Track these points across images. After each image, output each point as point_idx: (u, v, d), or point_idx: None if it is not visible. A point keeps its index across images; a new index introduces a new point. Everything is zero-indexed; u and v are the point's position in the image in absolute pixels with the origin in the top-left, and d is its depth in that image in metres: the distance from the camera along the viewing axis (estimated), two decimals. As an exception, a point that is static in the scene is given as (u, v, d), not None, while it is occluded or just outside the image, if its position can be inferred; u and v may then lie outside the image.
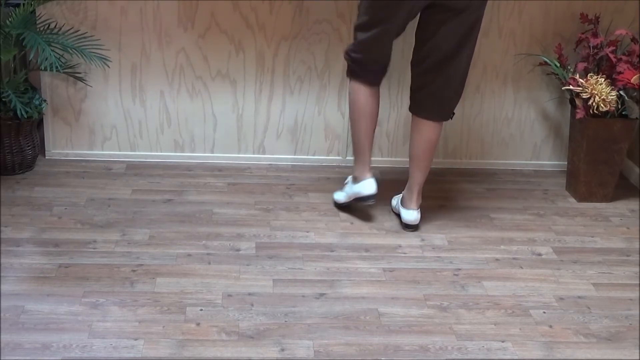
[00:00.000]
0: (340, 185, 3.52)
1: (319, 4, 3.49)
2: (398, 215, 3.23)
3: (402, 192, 3.22)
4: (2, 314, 2.47)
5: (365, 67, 2.99)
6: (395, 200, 3.27)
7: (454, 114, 3.09)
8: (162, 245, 2.95)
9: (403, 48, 3.39)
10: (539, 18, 3.59)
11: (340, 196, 3.25)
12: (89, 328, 2.43)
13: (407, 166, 3.18)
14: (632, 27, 3.53)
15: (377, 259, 2.94)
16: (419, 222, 3.17)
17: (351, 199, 3.19)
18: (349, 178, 3.24)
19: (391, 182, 3.44)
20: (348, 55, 3.02)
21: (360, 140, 3.09)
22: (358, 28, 2.96)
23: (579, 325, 2.60)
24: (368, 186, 3.10)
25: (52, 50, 3.17)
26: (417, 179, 3.13)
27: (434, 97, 3.00)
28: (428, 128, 3.05)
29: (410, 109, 3.08)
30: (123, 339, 2.39)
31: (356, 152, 3.13)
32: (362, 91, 3.02)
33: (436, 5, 2.82)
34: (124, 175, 3.53)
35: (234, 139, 3.70)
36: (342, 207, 3.29)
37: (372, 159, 3.14)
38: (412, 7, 2.83)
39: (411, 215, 3.14)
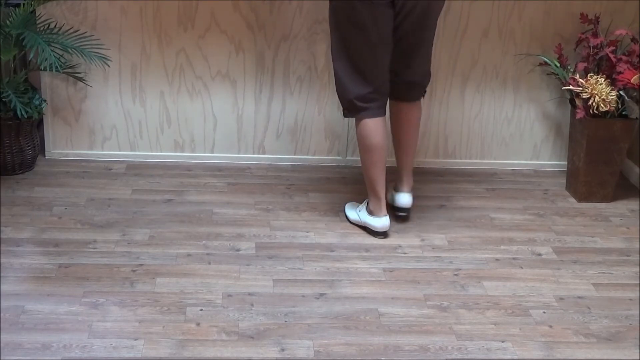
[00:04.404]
0: (341, 185, 3.52)
1: (319, 4, 3.49)
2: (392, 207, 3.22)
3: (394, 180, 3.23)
4: (2, 314, 2.47)
5: (365, 96, 2.95)
6: (390, 194, 3.25)
7: (425, 91, 3.14)
8: (162, 245, 2.95)
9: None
10: (539, 18, 3.59)
11: (352, 215, 3.19)
12: (89, 328, 2.43)
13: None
14: (632, 27, 3.53)
15: (377, 259, 2.94)
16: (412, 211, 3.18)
17: (361, 225, 3.17)
18: (365, 202, 3.14)
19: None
20: (343, 95, 2.99)
21: (373, 175, 3.03)
22: (337, 52, 2.94)
23: (579, 325, 2.60)
24: (381, 224, 3.07)
25: (52, 50, 3.17)
26: (406, 163, 3.16)
27: (409, 83, 3.06)
28: (410, 109, 3.10)
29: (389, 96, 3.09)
30: (123, 339, 2.39)
31: (370, 187, 3.06)
32: (369, 124, 2.98)
33: (396, 5, 2.84)
34: (124, 175, 3.53)
35: (234, 139, 3.70)
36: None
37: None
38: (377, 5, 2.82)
39: (404, 198, 3.16)
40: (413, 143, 3.15)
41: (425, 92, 3.15)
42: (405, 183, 3.17)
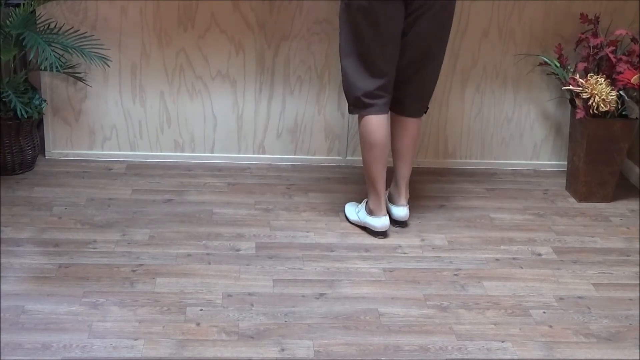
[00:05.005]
0: (341, 185, 3.52)
1: (319, 4, 3.49)
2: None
3: (389, 188, 3.21)
4: (2, 314, 2.47)
5: (372, 92, 2.94)
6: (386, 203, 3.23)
7: (427, 108, 3.14)
8: (162, 245, 2.95)
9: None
10: (539, 18, 3.59)
11: (352, 215, 3.19)
12: (89, 328, 2.43)
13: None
14: (632, 27, 3.53)
15: (377, 259, 2.94)
16: (408, 218, 3.19)
17: (361, 225, 3.17)
18: (365, 202, 3.16)
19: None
20: (350, 92, 2.99)
21: (374, 173, 3.03)
22: (347, 49, 2.94)
23: (579, 325, 2.60)
24: (380, 224, 3.07)
25: (52, 50, 3.17)
26: (404, 175, 3.15)
27: (414, 95, 3.05)
28: (412, 125, 3.09)
29: (391, 108, 3.07)
30: (123, 339, 2.39)
31: (370, 185, 3.07)
32: (372, 121, 2.98)
33: (408, 5, 2.83)
34: (124, 175, 3.53)
35: (234, 139, 3.70)
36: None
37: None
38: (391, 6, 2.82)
39: (402, 211, 3.15)
40: (413, 156, 3.15)
41: (427, 108, 3.14)
42: (403, 196, 3.16)
